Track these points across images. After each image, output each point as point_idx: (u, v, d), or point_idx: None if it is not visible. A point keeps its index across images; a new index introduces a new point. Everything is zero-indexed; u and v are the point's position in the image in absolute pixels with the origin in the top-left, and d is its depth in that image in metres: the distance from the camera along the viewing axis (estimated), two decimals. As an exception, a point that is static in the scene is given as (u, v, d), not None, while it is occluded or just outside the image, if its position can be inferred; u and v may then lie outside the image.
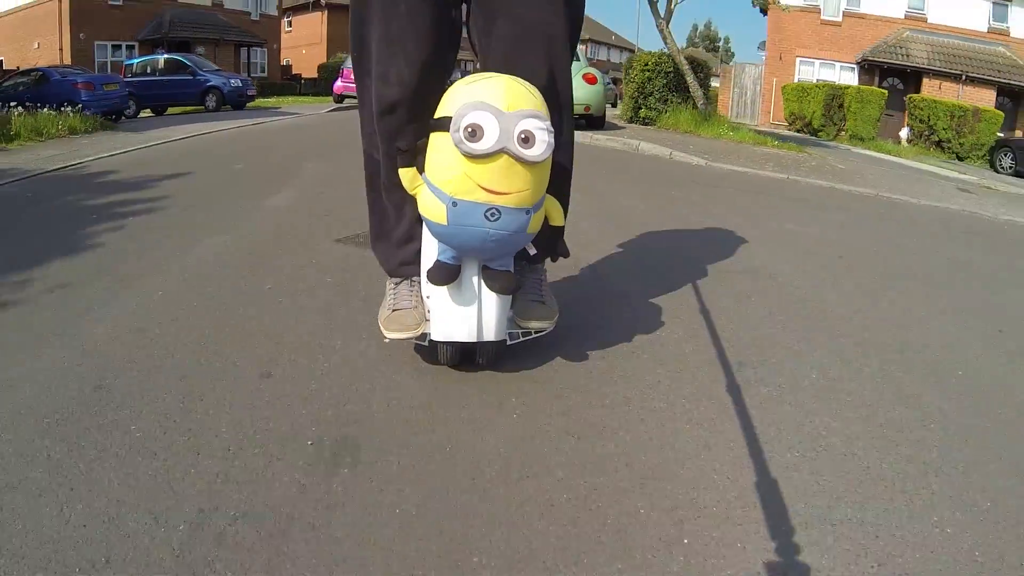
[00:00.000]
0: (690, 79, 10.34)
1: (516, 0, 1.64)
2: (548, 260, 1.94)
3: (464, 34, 1.81)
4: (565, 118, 1.76)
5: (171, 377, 1.74)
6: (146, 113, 14.88)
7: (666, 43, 10.53)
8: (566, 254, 1.84)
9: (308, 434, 1.51)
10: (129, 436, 1.46)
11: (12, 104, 9.51)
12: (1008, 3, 19.00)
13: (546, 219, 1.66)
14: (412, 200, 1.64)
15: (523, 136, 1.41)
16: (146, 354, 1.88)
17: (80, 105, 10.77)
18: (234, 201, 4.04)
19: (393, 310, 1.78)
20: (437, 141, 1.50)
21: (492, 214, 1.46)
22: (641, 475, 1.40)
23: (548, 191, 1.62)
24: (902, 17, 19.03)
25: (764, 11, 18.02)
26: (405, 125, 1.66)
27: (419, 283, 1.81)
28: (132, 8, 20.72)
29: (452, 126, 1.41)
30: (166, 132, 9.21)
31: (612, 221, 3.88)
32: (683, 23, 65.13)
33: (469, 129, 1.39)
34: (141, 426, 1.50)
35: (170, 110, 15.33)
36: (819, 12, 19.25)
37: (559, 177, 1.72)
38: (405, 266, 1.84)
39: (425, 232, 1.70)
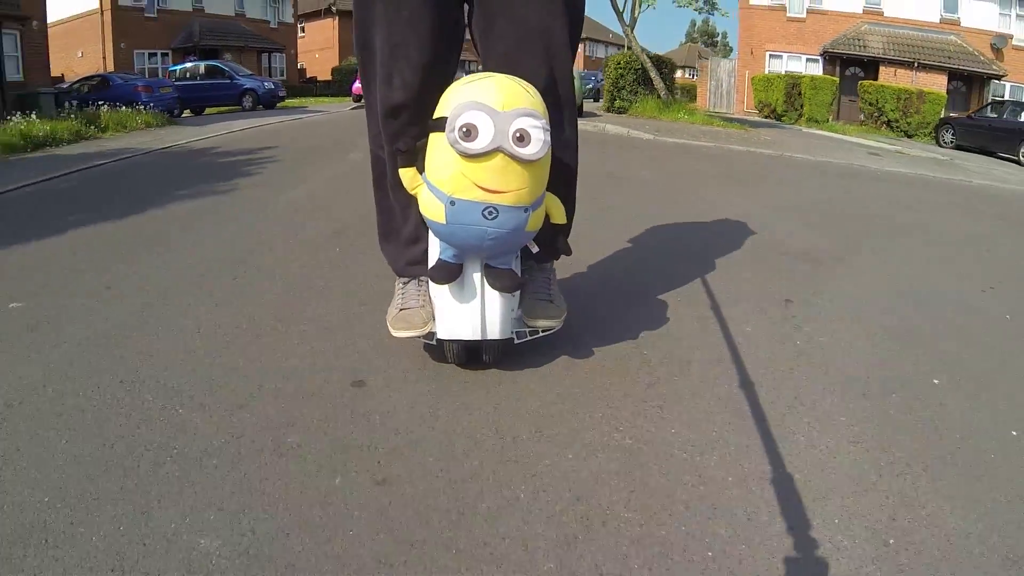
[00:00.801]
0: (653, 74, 12.56)
1: (516, 1, 1.66)
2: (555, 259, 1.96)
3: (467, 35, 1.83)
4: (567, 117, 1.78)
5: (331, 204, 3.92)
6: (186, 113, 17.03)
7: (631, 46, 12.70)
8: (568, 252, 1.86)
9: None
10: (323, 212, 3.62)
11: (100, 103, 11.71)
12: (958, -3, 21.00)
13: (547, 217, 1.68)
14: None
15: (518, 135, 1.43)
16: (322, 203, 4.06)
17: (144, 104, 12.95)
18: (323, 158, 6.24)
19: (401, 309, 1.81)
20: (435, 141, 1.53)
21: (490, 212, 1.48)
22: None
23: (551, 191, 1.65)
24: (860, 12, 21.03)
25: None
26: (409, 127, 1.69)
27: (427, 283, 1.83)
28: (165, 19, 22.95)
29: (447, 126, 1.44)
30: (224, 126, 11.32)
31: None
32: (683, 20, 67.12)
33: (464, 129, 1.42)
34: (335, 214, 3.66)
35: (207, 110, 17.51)
36: (785, 10, 21.30)
37: (563, 177, 1.74)
38: (412, 266, 1.88)
39: (432, 237, 1.73)
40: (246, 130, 10.32)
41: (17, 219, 3.84)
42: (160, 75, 19.94)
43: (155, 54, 22.89)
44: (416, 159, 1.62)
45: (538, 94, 1.55)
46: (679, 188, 5.17)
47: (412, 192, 1.65)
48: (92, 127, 10.04)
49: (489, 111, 1.42)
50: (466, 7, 1.78)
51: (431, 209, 1.55)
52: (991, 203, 6.00)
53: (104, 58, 21.67)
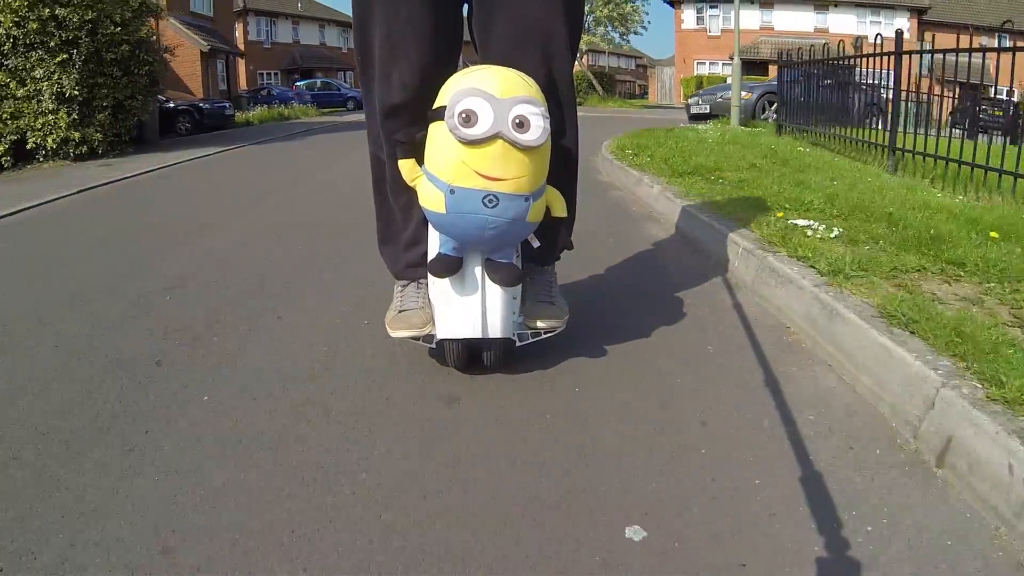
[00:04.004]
0: (595, 82, 22.42)
1: (515, 1, 1.66)
2: (557, 262, 1.96)
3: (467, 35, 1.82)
4: (568, 116, 1.80)
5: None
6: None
7: (580, 65, 22.41)
8: (570, 246, 1.91)
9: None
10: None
11: (268, 104, 21.43)
12: (826, 11, 30.04)
13: (548, 212, 1.66)
14: (418, 202, 1.65)
15: (518, 121, 1.43)
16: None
17: (297, 103, 22.32)
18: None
19: (399, 311, 1.82)
20: (434, 130, 1.53)
21: (490, 200, 1.47)
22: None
23: (554, 186, 1.65)
24: (758, 28, 30.28)
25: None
26: (408, 127, 1.69)
27: (426, 285, 1.83)
28: (276, 49, 33.00)
29: (447, 112, 1.44)
30: (356, 116, 20.35)
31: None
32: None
33: (463, 115, 1.42)
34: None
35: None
36: (707, 31, 30.76)
37: (564, 173, 1.77)
38: (412, 268, 1.88)
39: (431, 232, 1.72)
40: (378, 116, 19.81)
41: (335, 129, 13.33)
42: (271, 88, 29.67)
43: (269, 74, 32.85)
44: (415, 151, 1.62)
45: (537, 85, 1.56)
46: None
47: (411, 184, 1.64)
48: (292, 112, 19.96)
49: (488, 97, 1.43)
50: (465, 7, 1.79)
51: (430, 199, 1.55)
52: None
53: (238, 76, 31.56)
